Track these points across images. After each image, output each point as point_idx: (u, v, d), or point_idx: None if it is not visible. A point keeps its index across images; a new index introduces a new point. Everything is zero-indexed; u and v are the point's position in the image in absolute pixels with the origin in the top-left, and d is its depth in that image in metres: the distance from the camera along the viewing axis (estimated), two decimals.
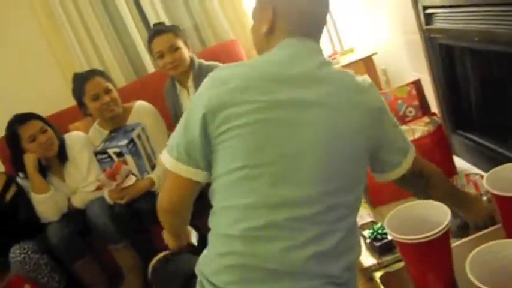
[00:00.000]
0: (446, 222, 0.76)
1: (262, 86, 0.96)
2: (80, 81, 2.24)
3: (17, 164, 2.21)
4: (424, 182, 1.20)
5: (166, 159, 1.03)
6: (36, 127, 2.16)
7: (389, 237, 1.71)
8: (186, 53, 2.25)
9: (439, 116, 2.15)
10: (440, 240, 0.75)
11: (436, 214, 0.80)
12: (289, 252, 0.87)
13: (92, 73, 2.27)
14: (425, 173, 1.20)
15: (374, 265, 1.70)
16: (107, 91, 2.22)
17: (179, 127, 1.02)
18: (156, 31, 2.26)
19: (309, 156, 0.92)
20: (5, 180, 2.21)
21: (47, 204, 2.18)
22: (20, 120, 2.16)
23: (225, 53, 2.69)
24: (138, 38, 3.00)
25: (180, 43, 2.22)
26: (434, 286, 0.81)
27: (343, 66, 2.85)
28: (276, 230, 0.88)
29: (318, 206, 0.90)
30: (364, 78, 1.11)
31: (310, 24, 1.08)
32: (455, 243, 0.92)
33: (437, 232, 0.74)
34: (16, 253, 2.04)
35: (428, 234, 0.74)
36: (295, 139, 0.93)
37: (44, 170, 2.24)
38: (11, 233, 2.14)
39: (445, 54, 2.04)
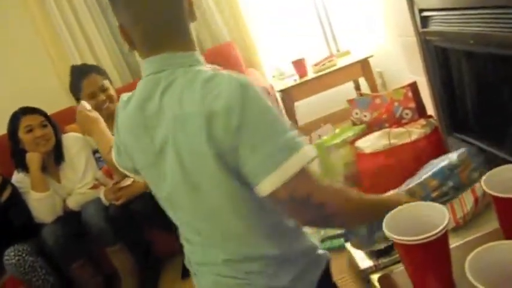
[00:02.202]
0: (444, 223, 0.76)
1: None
2: (77, 77, 2.25)
3: (15, 157, 2.21)
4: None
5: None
6: (36, 120, 2.17)
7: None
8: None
9: (435, 118, 2.16)
10: (439, 241, 0.75)
11: (434, 215, 0.80)
12: None
13: (89, 70, 2.28)
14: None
15: (371, 267, 1.69)
16: (103, 89, 2.24)
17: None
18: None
19: None
20: (0, 181, 2.19)
21: (44, 203, 2.17)
22: (23, 111, 2.19)
23: (221, 56, 2.69)
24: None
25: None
26: (434, 287, 0.82)
27: (339, 69, 2.86)
28: None
29: None
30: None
31: (155, 37, 0.90)
32: (454, 245, 0.92)
33: (436, 233, 0.74)
34: (11, 255, 2.03)
35: (427, 235, 0.74)
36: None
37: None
38: (5, 235, 2.12)
39: (440, 57, 2.04)
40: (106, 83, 2.27)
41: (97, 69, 2.31)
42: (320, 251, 1.09)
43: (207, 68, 0.91)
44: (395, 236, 0.80)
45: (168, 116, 0.87)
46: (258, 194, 0.84)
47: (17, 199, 2.20)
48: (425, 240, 0.74)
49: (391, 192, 1.17)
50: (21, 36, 2.91)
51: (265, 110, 0.83)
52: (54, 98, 2.79)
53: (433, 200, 1.12)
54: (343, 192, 0.90)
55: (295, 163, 0.82)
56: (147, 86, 0.92)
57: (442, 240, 0.76)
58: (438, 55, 2.05)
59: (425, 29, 2.03)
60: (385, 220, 0.84)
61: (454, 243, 0.98)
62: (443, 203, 1.19)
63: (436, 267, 0.78)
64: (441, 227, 0.74)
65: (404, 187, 1.29)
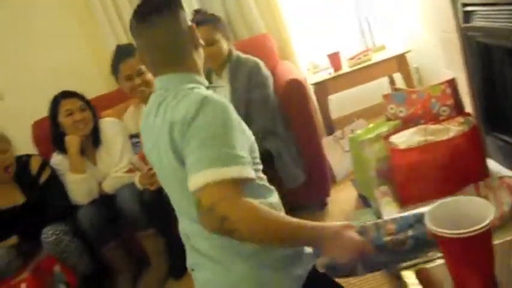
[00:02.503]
0: (489, 219, 0.75)
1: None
2: (116, 59, 2.33)
3: (55, 140, 2.28)
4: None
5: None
6: (76, 104, 2.24)
7: None
8: (223, 46, 2.25)
9: (473, 116, 2.11)
10: (482, 236, 0.74)
11: (478, 210, 0.79)
12: None
13: (128, 53, 2.30)
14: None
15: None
16: (140, 73, 2.28)
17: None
18: (198, 21, 2.26)
19: None
20: (40, 163, 2.27)
21: (80, 185, 2.23)
22: (63, 95, 2.26)
23: (256, 47, 2.70)
24: None
25: (218, 36, 2.23)
26: (474, 283, 0.80)
27: (375, 64, 2.83)
28: None
29: None
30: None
31: (160, 62, 1.12)
32: (497, 241, 0.91)
33: (481, 228, 0.73)
34: (48, 234, 2.10)
35: (471, 229, 0.73)
36: None
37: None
38: (43, 215, 2.20)
39: (482, 53, 1.99)
40: (143, 67, 2.30)
41: (135, 54, 2.33)
42: None
43: (197, 87, 1.11)
44: (438, 229, 0.79)
45: (157, 123, 1.09)
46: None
47: (55, 180, 2.28)
48: (469, 235, 0.73)
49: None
50: (60, 23, 2.98)
51: (213, 123, 0.98)
52: (92, 84, 2.85)
53: (385, 245, 1.03)
54: (256, 212, 0.93)
55: (218, 174, 0.92)
56: (152, 99, 1.15)
57: (486, 236, 0.75)
58: (480, 51, 2.00)
59: (467, 24, 1.99)
60: (427, 214, 0.84)
61: (497, 239, 0.96)
62: (400, 252, 1.06)
63: (478, 262, 0.77)
64: (486, 222, 0.73)
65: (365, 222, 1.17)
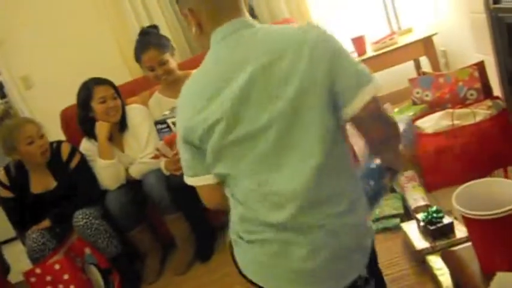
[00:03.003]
0: None
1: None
2: (138, 50, 2.37)
3: (84, 125, 2.34)
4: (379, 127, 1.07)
5: None
6: (109, 91, 2.29)
7: (445, 221, 1.69)
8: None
9: (502, 99, 2.06)
10: (510, 217, 0.73)
11: (506, 192, 0.79)
12: None
13: (149, 44, 2.33)
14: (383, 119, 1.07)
15: (427, 248, 1.68)
16: (162, 63, 2.30)
17: None
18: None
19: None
20: (70, 149, 2.33)
21: (109, 171, 2.29)
22: (96, 81, 2.30)
23: None
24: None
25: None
26: (502, 266, 0.80)
27: (401, 47, 2.78)
28: None
29: None
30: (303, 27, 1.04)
31: (224, 5, 1.08)
32: None
33: (508, 210, 0.73)
34: (79, 218, 2.17)
35: (499, 210, 0.73)
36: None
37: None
38: (75, 200, 2.27)
39: None
40: (165, 56, 2.32)
41: (157, 44, 2.35)
42: None
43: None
44: (466, 211, 0.79)
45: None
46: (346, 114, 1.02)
47: (85, 166, 2.34)
48: (497, 216, 0.73)
49: None
50: (85, 11, 3.03)
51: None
52: (117, 71, 2.89)
53: None
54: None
55: (375, 84, 1.00)
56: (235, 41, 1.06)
57: None
58: (509, 33, 1.94)
59: (497, 5, 1.93)
60: (455, 195, 0.84)
61: None
62: None
63: (505, 244, 0.77)
64: None
65: None
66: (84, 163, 2.33)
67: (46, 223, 2.24)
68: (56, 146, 2.33)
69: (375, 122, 1.04)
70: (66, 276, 2.09)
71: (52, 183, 2.29)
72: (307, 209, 1.00)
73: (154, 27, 2.50)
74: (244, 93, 0.99)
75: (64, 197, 2.27)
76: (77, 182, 2.29)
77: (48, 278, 2.10)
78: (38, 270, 2.10)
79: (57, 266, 2.09)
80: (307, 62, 0.97)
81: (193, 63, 2.82)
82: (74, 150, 2.35)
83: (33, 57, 3.13)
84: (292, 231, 1.01)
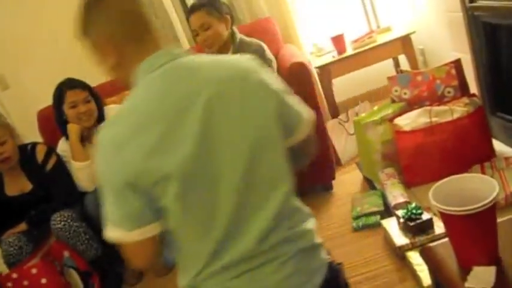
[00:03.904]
0: (493, 196, 0.75)
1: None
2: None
3: (60, 127, 2.30)
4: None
5: None
6: (80, 96, 2.23)
7: (424, 218, 1.71)
8: (220, 30, 2.23)
9: (478, 97, 2.10)
10: (486, 213, 0.74)
11: (483, 187, 0.79)
12: None
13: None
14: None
15: (407, 244, 1.70)
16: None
17: None
18: (192, 8, 2.26)
19: None
20: (46, 151, 2.29)
21: (84, 172, 2.25)
22: (69, 84, 2.25)
23: (260, 31, 2.68)
24: (174, 14, 3.02)
25: (213, 20, 2.21)
26: (478, 260, 0.81)
27: (379, 46, 2.81)
28: None
29: None
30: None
31: (146, 34, 0.97)
32: (500, 219, 0.91)
33: (484, 205, 0.73)
34: (57, 220, 2.12)
35: (475, 206, 0.73)
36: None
37: (82, 140, 2.32)
38: (52, 202, 2.22)
39: (488, 33, 1.97)
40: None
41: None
42: None
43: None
44: (442, 206, 0.80)
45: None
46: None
47: (61, 168, 2.30)
48: (473, 211, 0.74)
49: None
50: (65, 9, 2.97)
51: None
52: (95, 71, 2.84)
53: None
54: None
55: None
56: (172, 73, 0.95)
57: (489, 213, 0.75)
58: (486, 31, 1.98)
59: (473, 4, 1.96)
60: (431, 191, 0.84)
61: (500, 217, 0.97)
62: None
63: (482, 239, 0.78)
64: (490, 198, 0.73)
65: None
66: (61, 164, 2.29)
67: (22, 226, 2.19)
68: (31, 148, 2.28)
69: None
70: (43, 281, 2.05)
71: (27, 186, 2.24)
72: None
73: None
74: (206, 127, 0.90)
75: (41, 200, 2.22)
76: (53, 184, 2.24)
77: (25, 283, 2.05)
78: (14, 275, 2.05)
79: (34, 270, 2.05)
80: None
81: None
82: (51, 151, 2.30)
83: (9, 57, 3.06)
84: None
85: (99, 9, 0.97)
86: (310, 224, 1.03)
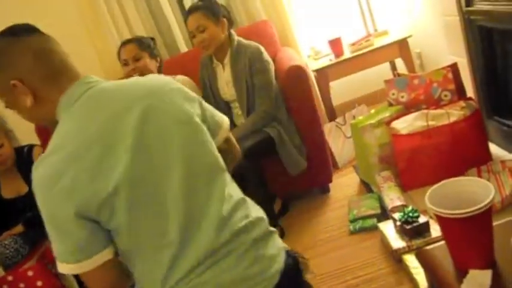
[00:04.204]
0: (489, 199, 0.75)
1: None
2: (120, 46, 2.40)
3: None
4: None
5: None
6: None
7: (420, 221, 1.71)
8: (216, 32, 2.24)
9: (475, 100, 2.10)
10: (482, 216, 0.74)
11: (479, 190, 0.80)
12: None
13: (128, 41, 2.39)
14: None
15: (403, 248, 1.70)
16: (136, 59, 2.30)
17: None
18: (189, 10, 2.29)
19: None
20: (42, 153, 2.28)
21: None
22: None
23: (257, 34, 2.68)
24: (172, 17, 3.02)
25: (209, 23, 2.22)
26: (474, 263, 0.81)
27: (376, 49, 2.82)
28: None
29: None
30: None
31: (61, 69, 1.00)
32: (496, 222, 0.92)
33: (480, 208, 0.74)
34: None
35: (471, 209, 0.74)
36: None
37: None
38: None
39: (485, 37, 1.98)
40: (139, 54, 2.32)
41: (139, 41, 2.36)
42: None
43: None
44: (438, 210, 0.80)
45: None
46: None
47: None
48: (469, 214, 0.74)
49: None
50: (61, 12, 2.97)
51: None
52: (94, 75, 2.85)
53: None
54: None
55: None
56: (87, 108, 0.97)
57: (485, 216, 0.75)
58: (482, 35, 1.99)
59: (469, 8, 1.97)
60: (427, 194, 0.84)
61: (496, 220, 0.97)
62: None
63: (478, 242, 0.78)
64: (486, 202, 0.74)
65: None
66: None
67: (19, 228, 2.18)
68: (27, 150, 2.27)
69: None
70: (39, 283, 2.04)
71: (24, 188, 2.23)
72: None
73: (152, 38, 2.50)
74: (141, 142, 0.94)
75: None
76: None
77: (21, 285, 2.04)
78: (10, 278, 2.04)
79: (30, 273, 2.04)
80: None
81: (171, 64, 2.83)
82: None
83: None
84: None
85: (13, 49, 0.98)
86: (260, 212, 1.07)
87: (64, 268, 0.95)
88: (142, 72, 2.28)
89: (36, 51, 0.98)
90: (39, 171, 0.93)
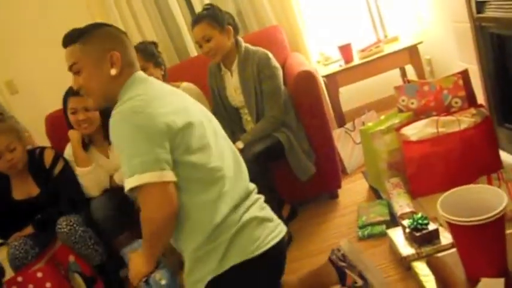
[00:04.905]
0: (502, 207, 0.75)
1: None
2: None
3: (69, 129, 2.33)
4: None
5: None
6: (81, 103, 2.21)
7: (430, 228, 1.70)
8: (222, 41, 2.24)
9: (486, 108, 2.09)
10: (495, 224, 0.74)
11: (491, 198, 0.79)
12: None
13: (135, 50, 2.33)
14: None
15: (412, 255, 1.69)
16: (142, 70, 2.26)
17: None
18: (194, 20, 2.29)
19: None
20: (53, 155, 2.30)
21: (88, 177, 2.27)
22: (71, 92, 2.25)
23: (267, 39, 2.70)
24: (182, 22, 3.05)
25: (214, 32, 2.23)
26: (486, 271, 0.81)
27: (386, 55, 2.81)
28: None
29: None
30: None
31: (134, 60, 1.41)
32: (509, 231, 0.91)
33: (493, 216, 0.73)
34: (63, 225, 2.13)
35: (484, 216, 0.73)
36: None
37: (86, 145, 2.34)
38: (58, 206, 2.23)
39: (496, 44, 1.98)
40: (146, 64, 2.30)
41: (143, 51, 2.33)
42: None
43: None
44: (450, 217, 0.80)
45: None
46: None
47: (68, 172, 2.31)
48: (481, 222, 0.73)
49: None
50: (72, 15, 3.00)
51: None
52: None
53: None
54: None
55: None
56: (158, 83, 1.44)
57: (498, 223, 0.75)
58: (493, 42, 1.98)
59: (480, 15, 1.97)
60: (439, 201, 0.84)
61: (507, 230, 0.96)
62: None
63: (490, 250, 0.77)
64: (499, 209, 0.73)
65: None
66: (67, 169, 2.30)
67: (29, 230, 2.20)
68: (39, 152, 2.29)
69: None
70: (48, 285, 2.05)
71: (35, 190, 2.25)
72: None
73: (153, 43, 2.49)
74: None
75: (48, 204, 2.23)
76: (60, 189, 2.25)
77: (30, 287, 2.06)
78: (19, 279, 2.06)
79: (39, 274, 2.05)
80: None
81: (181, 68, 2.84)
82: (58, 156, 2.32)
83: (17, 62, 3.09)
84: None
85: (117, 33, 1.40)
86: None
87: (144, 178, 1.15)
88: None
89: (127, 42, 1.39)
90: (132, 102, 1.24)
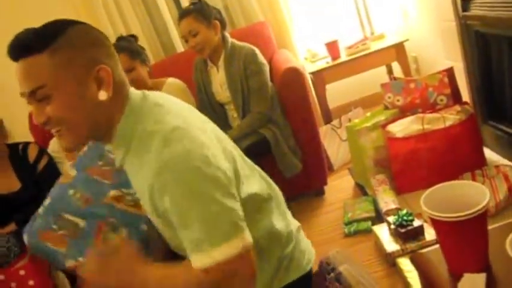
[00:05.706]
0: (484, 203, 0.75)
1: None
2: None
3: None
4: None
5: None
6: None
7: (415, 224, 1.71)
8: (208, 35, 2.23)
9: (470, 105, 2.11)
10: (477, 220, 0.74)
11: (473, 194, 0.80)
12: None
13: (119, 49, 2.26)
14: None
15: (397, 251, 1.70)
16: (128, 70, 2.20)
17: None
18: (181, 14, 2.27)
19: None
20: (37, 150, 2.27)
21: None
22: None
23: (254, 35, 2.68)
24: (169, 17, 3.02)
25: (200, 26, 2.21)
26: (469, 267, 0.81)
27: (373, 53, 2.82)
28: None
29: None
30: None
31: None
32: (491, 226, 0.92)
33: (475, 212, 0.74)
34: None
35: (466, 212, 0.74)
36: None
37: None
38: (42, 202, 2.20)
39: (481, 42, 1.99)
40: (133, 63, 2.25)
41: (128, 49, 2.28)
42: None
43: None
44: (433, 213, 0.80)
45: None
46: None
47: (52, 168, 2.27)
48: (463, 218, 0.74)
49: None
50: (58, 13, 2.96)
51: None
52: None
53: None
54: None
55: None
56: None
57: (480, 219, 0.75)
58: (478, 40, 2.00)
59: (466, 13, 1.98)
60: (423, 197, 0.84)
61: (491, 224, 0.97)
62: None
63: (473, 246, 0.78)
64: (481, 205, 0.74)
65: None
66: (52, 165, 2.27)
67: (11, 226, 2.16)
68: (22, 147, 2.26)
69: None
70: (31, 282, 2.02)
71: (16, 185, 2.21)
72: None
73: (132, 36, 2.45)
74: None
75: (30, 199, 2.20)
76: (44, 185, 2.22)
77: (13, 285, 2.02)
78: (1, 277, 2.02)
79: (22, 272, 2.02)
80: None
81: (166, 64, 2.82)
82: (42, 152, 2.28)
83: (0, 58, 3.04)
84: None
85: (109, 43, 1.03)
86: None
87: (224, 251, 0.82)
88: (138, 84, 2.23)
89: (113, 49, 1.00)
90: (184, 144, 0.86)
